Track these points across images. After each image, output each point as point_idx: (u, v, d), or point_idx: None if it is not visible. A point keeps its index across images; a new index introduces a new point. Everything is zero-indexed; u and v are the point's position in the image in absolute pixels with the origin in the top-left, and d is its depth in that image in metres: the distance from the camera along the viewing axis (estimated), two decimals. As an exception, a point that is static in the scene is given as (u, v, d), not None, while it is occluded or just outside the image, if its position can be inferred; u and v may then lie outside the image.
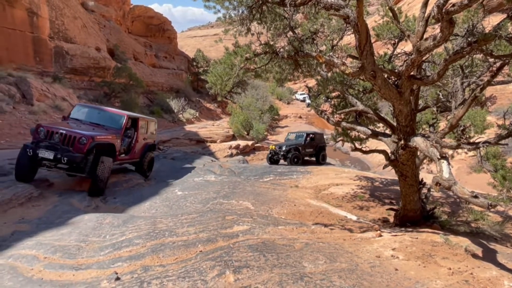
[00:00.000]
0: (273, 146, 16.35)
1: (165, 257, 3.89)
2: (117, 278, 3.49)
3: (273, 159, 15.70)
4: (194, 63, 38.16)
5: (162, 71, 31.71)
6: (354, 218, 5.67)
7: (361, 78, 3.88)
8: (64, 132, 6.61)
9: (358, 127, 5.66)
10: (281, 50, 4.31)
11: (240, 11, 4.27)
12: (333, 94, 6.27)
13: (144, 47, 31.42)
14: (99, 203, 7.03)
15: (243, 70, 4.41)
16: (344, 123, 5.94)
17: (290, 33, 5.24)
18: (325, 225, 4.82)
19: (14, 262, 3.86)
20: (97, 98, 22.31)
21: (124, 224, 5.07)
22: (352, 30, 3.20)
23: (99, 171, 6.81)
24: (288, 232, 4.48)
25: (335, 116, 6.53)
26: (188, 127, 22.80)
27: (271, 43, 4.62)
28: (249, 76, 5.66)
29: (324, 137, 17.96)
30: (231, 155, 17.03)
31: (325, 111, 6.38)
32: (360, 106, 5.39)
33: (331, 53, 4.97)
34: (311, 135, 17.06)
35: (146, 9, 34.27)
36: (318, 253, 3.71)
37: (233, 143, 18.92)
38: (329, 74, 5.27)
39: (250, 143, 19.99)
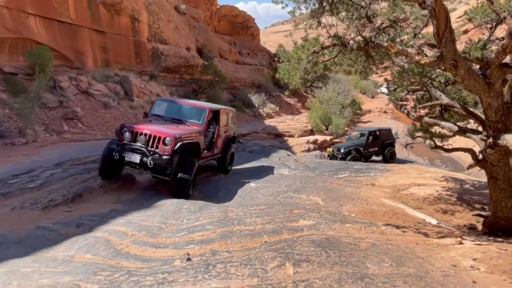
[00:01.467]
0: (331, 149, 15.49)
1: (232, 244, 4.12)
2: (188, 259, 3.82)
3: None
4: (276, 58, 38.64)
5: (245, 67, 32.92)
6: (434, 222, 5.19)
7: (441, 68, 3.50)
8: (148, 132, 6.28)
9: (443, 123, 5.13)
10: (350, 41, 4.13)
11: (311, 4, 4.23)
12: (414, 87, 5.76)
13: (229, 44, 33.00)
14: (181, 190, 7.69)
15: (311, 63, 4.35)
16: (426, 118, 5.45)
17: (367, 22, 5.00)
18: (397, 227, 4.53)
19: (108, 236, 4.51)
20: (186, 94, 24.20)
21: (199, 210, 5.49)
22: (430, 16, 2.92)
23: (184, 174, 6.35)
24: (355, 231, 4.33)
25: (416, 110, 6.02)
26: (268, 121, 23.31)
27: (343, 34, 4.46)
28: (318, 70, 5.55)
29: (393, 132, 16.47)
30: (308, 150, 16.92)
31: (406, 105, 5.92)
32: (445, 100, 4.87)
33: (412, 42, 4.60)
34: (374, 133, 15.79)
35: (231, 8, 35.84)
36: (384, 255, 3.52)
37: (311, 138, 18.75)
38: (406, 65, 4.86)
39: (328, 138, 19.56)
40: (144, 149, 6.20)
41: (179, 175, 6.32)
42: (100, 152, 10.01)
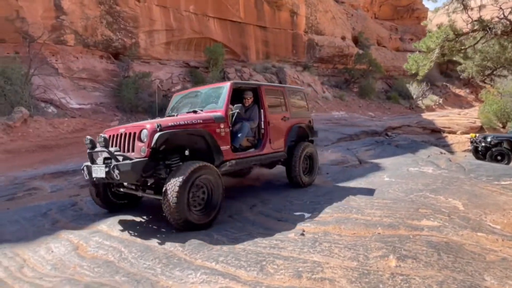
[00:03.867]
0: (474, 135, 12.46)
1: (345, 229, 4.33)
2: (302, 234, 4.27)
3: (479, 153, 12.18)
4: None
5: (405, 54, 29.98)
6: None
7: None
8: (123, 131, 4.39)
9: None
10: (496, 25, 3.53)
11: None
12: None
13: (389, 31, 30.84)
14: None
15: (448, 51, 3.93)
16: None
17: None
18: (551, 248, 3.71)
19: (240, 204, 5.40)
20: (338, 84, 24.25)
21: (323, 195, 5.84)
22: None
23: (174, 187, 3.88)
24: (488, 242, 3.82)
25: None
26: (425, 115, 20.95)
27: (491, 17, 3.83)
28: (456, 58, 4.85)
29: None
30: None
31: None
32: None
33: None
34: None
35: (395, -10, 33.19)
36: (513, 272, 3.07)
37: (479, 136, 15.82)
38: None
39: (505, 138, 16.05)
40: (113, 154, 4.10)
41: (167, 189, 3.87)
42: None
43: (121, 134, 4.41)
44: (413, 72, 4.80)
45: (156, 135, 4.02)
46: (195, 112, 5.09)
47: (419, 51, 4.62)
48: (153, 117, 13.62)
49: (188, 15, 16.93)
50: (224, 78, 18.12)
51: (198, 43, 17.84)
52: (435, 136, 16.14)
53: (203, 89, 5.80)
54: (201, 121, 4.59)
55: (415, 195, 6.06)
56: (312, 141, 6.83)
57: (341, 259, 3.47)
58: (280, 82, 19.91)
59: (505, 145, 11.98)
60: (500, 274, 3.05)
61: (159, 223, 4.66)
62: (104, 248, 3.96)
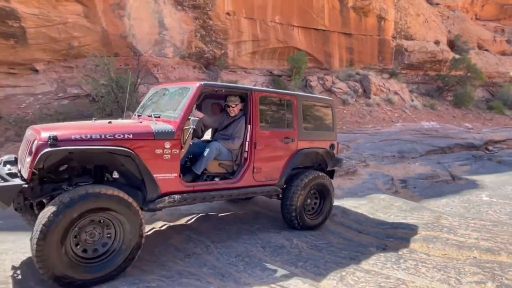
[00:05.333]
0: None
1: (433, 249, 4.07)
2: (384, 249, 4.15)
3: None
4: None
5: (514, 58, 26.44)
6: None
7: None
8: (29, 133, 3.30)
9: None
10: None
11: None
12: None
13: (493, 32, 27.38)
14: (400, 189, 7.75)
15: None
16: None
17: None
18: None
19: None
20: (428, 92, 22.42)
21: (410, 210, 5.52)
22: None
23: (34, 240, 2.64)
24: None
25: None
26: (539, 128, 18.06)
27: None
28: None
29: None
30: None
31: None
32: None
33: None
34: None
35: (503, -13, 29.34)
36: None
37: None
38: None
39: None
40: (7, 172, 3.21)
41: (33, 237, 2.67)
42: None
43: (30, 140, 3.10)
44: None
45: (42, 152, 2.75)
46: (150, 117, 3.78)
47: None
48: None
49: (273, 26, 17.50)
50: (306, 86, 18.22)
51: (281, 52, 18.28)
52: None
53: (171, 87, 4.28)
54: (130, 136, 3.16)
55: (522, 219, 5.37)
56: (331, 173, 5.22)
57: (429, 280, 3.29)
58: (364, 90, 19.22)
59: None
60: None
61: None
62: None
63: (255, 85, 17.02)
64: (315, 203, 4.83)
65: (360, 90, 18.99)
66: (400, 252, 3.99)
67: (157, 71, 13.48)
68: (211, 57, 15.63)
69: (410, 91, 21.18)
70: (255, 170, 4.13)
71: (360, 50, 21.29)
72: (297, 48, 18.36)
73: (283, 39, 17.94)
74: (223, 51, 15.87)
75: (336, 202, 6.06)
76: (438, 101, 21.35)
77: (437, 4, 25.31)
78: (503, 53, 26.89)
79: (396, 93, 19.71)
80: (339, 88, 18.37)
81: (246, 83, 16.41)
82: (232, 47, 16.30)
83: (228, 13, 15.68)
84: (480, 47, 26.11)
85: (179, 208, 5.41)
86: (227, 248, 3.95)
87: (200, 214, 5.05)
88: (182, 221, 4.82)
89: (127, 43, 12.87)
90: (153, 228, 4.47)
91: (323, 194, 4.84)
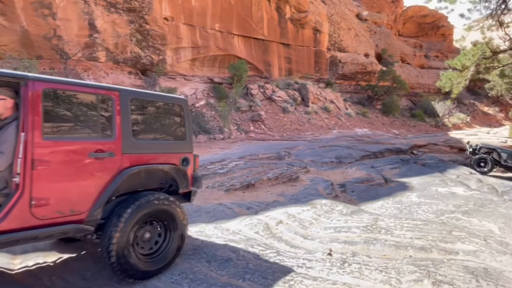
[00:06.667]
0: (468, 142, 13.00)
1: (374, 251, 4.20)
2: (329, 254, 4.18)
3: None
4: (474, 60, 32.98)
5: (430, 71, 29.67)
6: None
7: None
8: None
9: None
10: None
11: (492, 2, 3.75)
12: None
13: (413, 48, 30.51)
14: (339, 193, 8.03)
15: (482, 70, 3.84)
16: None
17: None
18: None
19: (268, 221, 5.36)
20: (360, 101, 24.06)
21: (350, 214, 5.70)
22: None
23: None
24: (531, 269, 3.61)
25: None
26: (452, 133, 20.34)
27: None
28: (493, 76, 4.72)
29: None
30: (504, 171, 13.82)
31: None
32: None
33: None
34: None
35: (419, 8, 32.94)
36: (561, 304, 2.88)
37: None
38: None
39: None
40: None
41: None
42: (274, 151, 11.49)
43: None
44: (447, 90, 4.72)
45: None
46: None
47: (453, 69, 4.53)
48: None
49: (213, 33, 17.40)
50: (247, 94, 18.34)
51: (222, 60, 18.24)
52: (464, 155, 15.58)
53: None
54: None
55: (446, 217, 5.85)
56: (187, 196, 4.03)
57: (372, 282, 3.36)
58: (302, 98, 19.94)
59: (489, 154, 12.54)
60: (547, 305, 2.86)
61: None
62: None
63: (195, 92, 16.66)
64: (156, 241, 3.54)
65: (299, 99, 19.68)
66: (344, 256, 4.05)
67: (88, 76, 12.52)
68: (148, 63, 14.98)
69: (345, 100, 22.51)
70: (33, 202, 2.72)
71: (298, 60, 22.14)
72: (237, 57, 18.46)
73: (224, 47, 17.92)
74: (161, 57, 15.32)
75: (280, 209, 6.06)
76: (369, 109, 23.00)
77: (366, 20, 27.44)
78: (422, 67, 30.00)
79: (332, 101, 20.79)
80: (279, 97, 18.83)
81: (186, 90, 16.02)
82: (171, 53, 15.83)
83: (166, 18, 15.22)
84: (403, 60, 28.83)
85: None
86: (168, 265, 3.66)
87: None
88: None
89: (52, 45, 11.77)
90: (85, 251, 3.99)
91: (169, 225, 3.59)
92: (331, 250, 4.32)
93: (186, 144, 3.94)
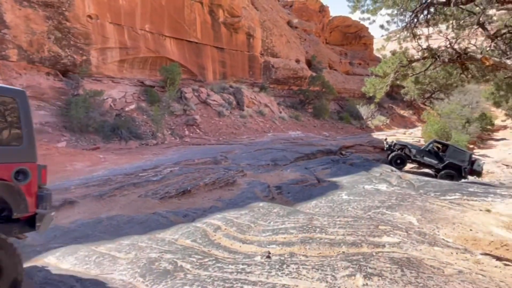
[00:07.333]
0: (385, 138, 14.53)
1: (310, 250, 4.31)
2: (268, 256, 4.19)
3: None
4: (390, 68, 36.50)
5: (355, 77, 32.12)
6: (559, 262, 4.35)
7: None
8: None
9: None
10: (443, 53, 3.90)
11: (406, 16, 4.15)
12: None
13: (339, 55, 32.76)
14: (276, 195, 8.17)
15: (400, 77, 4.25)
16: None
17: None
18: (499, 258, 4.00)
19: (205, 227, 5.22)
20: (293, 105, 25.00)
21: (287, 215, 5.82)
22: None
23: None
24: (444, 255, 4.02)
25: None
26: (375, 134, 22.22)
27: (438, 46, 4.22)
28: (408, 83, 5.28)
29: (474, 158, 13.50)
30: (419, 167, 15.49)
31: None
32: None
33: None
34: (443, 145, 13.86)
35: (344, 19, 35.55)
36: (470, 284, 3.23)
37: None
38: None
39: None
40: None
41: None
42: (210, 155, 11.30)
43: None
44: (371, 95, 5.10)
45: None
46: None
47: (375, 75, 4.92)
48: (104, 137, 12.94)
49: (143, 34, 16.64)
50: (181, 97, 17.86)
51: (153, 62, 17.51)
52: (385, 154, 17.07)
53: None
54: None
55: (373, 212, 6.28)
56: (31, 221, 3.03)
57: (310, 281, 3.43)
58: (237, 102, 20.06)
59: (400, 150, 13.93)
60: (459, 287, 3.19)
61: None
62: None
63: (124, 96, 15.73)
64: None
65: (234, 103, 19.75)
66: (282, 258, 4.09)
67: (-4, 76, 11.06)
68: (70, 63, 13.75)
69: (278, 104, 23.18)
70: None
71: (232, 64, 22.23)
72: (170, 59, 17.90)
73: (155, 48, 17.24)
74: (85, 57, 14.18)
75: (218, 214, 5.95)
76: (301, 112, 24.01)
77: (296, 27, 28.68)
78: (347, 73, 32.28)
79: (266, 105, 21.25)
80: (214, 100, 18.69)
81: (114, 93, 15.05)
82: (96, 53, 14.74)
83: (90, 16, 14.15)
84: (330, 67, 30.71)
85: (32, 244, 4.37)
86: (97, 285, 3.34)
87: (61, 247, 4.18)
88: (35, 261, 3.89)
89: (-51, 39, 10.17)
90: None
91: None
92: (269, 253, 4.34)
93: (23, 151, 3.01)
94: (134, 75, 16.95)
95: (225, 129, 17.05)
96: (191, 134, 15.95)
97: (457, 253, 4.09)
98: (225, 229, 5.19)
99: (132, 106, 15.62)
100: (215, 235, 4.98)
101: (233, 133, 16.95)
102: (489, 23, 4.80)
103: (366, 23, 34.91)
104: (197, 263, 3.91)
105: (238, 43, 22.24)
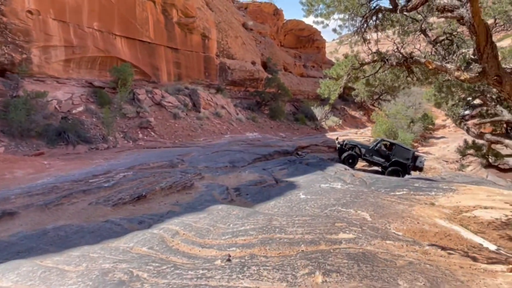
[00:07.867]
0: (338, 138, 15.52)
1: (270, 250, 4.33)
2: (228, 260, 4.13)
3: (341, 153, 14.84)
4: (342, 71, 38.10)
5: (309, 80, 33.07)
6: (493, 247, 4.79)
7: (485, 84, 3.35)
8: None
9: (507, 141, 4.76)
10: (391, 57, 4.14)
11: (357, 21, 4.34)
12: (476, 102, 5.40)
13: (293, 58, 33.55)
14: (234, 197, 8.13)
15: (352, 79, 4.44)
16: (488, 136, 5.10)
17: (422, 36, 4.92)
18: (443, 248, 4.31)
19: (163, 233, 5.04)
20: (250, 106, 25.12)
21: (246, 217, 5.80)
22: (469, 32, 2.86)
23: None
24: (396, 248, 4.24)
25: (480, 127, 5.64)
26: (329, 135, 23.04)
27: (387, 50, 4.48)
28: (359, 85, 5.56)
29: (421, 159, 14.86)
30: (369, 165, 16.32)
31: (466, 121, 5.59)
32: (507, 116, 4.52)
33: (450, 57, 4.39)
34: (389, 144, 14.97)
35: (297, 22, 36.48)
36: (420, 274, 3.44)
37: (374, 152, 18.01)
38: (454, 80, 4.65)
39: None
40: None
41: None
42: (166, 159, 10.99)
43: None
44: (326, 96, 5.26)
45: None
46: None
47: (329, 78, 5.08)
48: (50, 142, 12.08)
49: (91, 32, 15.76)
50: (134, 99, 17.18)
51: (103, 62, 16.66)
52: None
53: None
54: None
55: (330, 210, 6.48)
56: None
57: (271, 281, 3.44)
58: (193, 104, 19.73)
59: (352, 149, 14.72)
60: (410, 277, 3.38)
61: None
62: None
63: (71, 97, 14.81)
64: None
65: (190, 104, 19.41)
66: (243, 260, 4.06)
67: None
68: (7, 62, 12.66)
69: (235, 106, 23.16)
70: None
71: (187, 65, 21.83)
72: (121, 59, 17.15)
73: (104, 47, 16.41)
74: (25, 56, 13.13)
75: (176, 219, 5.77)
76: (258, 114, 24.20)
77: (251, 29, 28.88)
78: (302, 75, 33.13)
79: (223, 107, 21.14)
80: (169, 102, 18.22)
81: (59, 95, 14.10)
82: (38, 52, 13.72)
83: (30, 12, 13.13)
84: (285, 69, 31.32)
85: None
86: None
87: (0, 264, 3.79)
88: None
89: None
90: None
91: None
92: (230, 256, 4.29)
93: None
94: (81, 75, 15.99)
95: (181, 132, 16.67)
96: (145, 137, 15.38)
97: (407, 246, 4.34)
98: (184, 234, 5.06)
99: (80, 108, 14.72)
100: (173, 241, 4.82)
101: (189, 136, 16.63)
102: (430, 30, 5.15)
103: (319, 27, 36.20)
104: (155, 271, 3.76)
105: (193, 44, 21.89)
